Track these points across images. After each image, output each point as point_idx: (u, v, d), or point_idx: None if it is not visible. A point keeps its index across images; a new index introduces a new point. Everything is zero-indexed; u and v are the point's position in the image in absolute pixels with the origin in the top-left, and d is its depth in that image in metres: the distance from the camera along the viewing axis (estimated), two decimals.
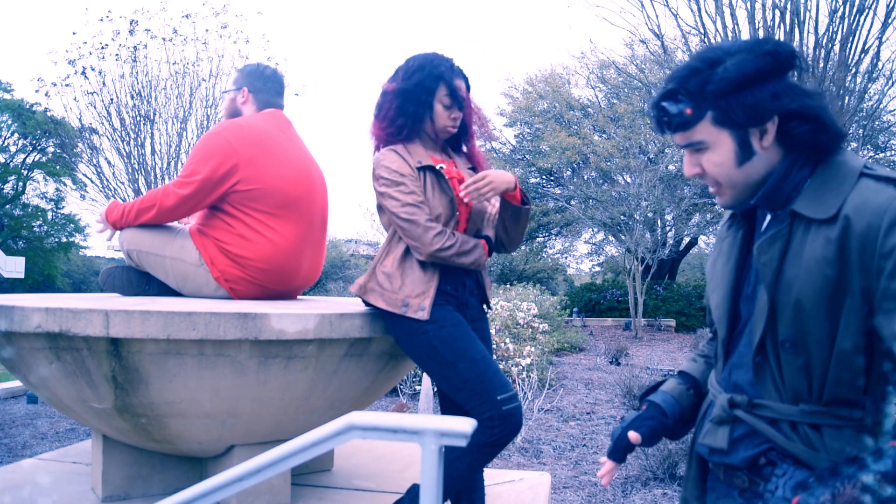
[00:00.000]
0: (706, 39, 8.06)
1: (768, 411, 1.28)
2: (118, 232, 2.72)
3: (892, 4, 7.23)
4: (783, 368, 1.25)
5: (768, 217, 1.35)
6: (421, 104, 2.29)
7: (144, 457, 2.54)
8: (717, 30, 7.94)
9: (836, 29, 7.24)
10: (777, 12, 7.35)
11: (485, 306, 2.45)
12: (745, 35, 7.83)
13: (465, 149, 2.52)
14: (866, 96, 8.35)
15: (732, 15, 7.81)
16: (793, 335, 1.23)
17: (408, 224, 2.18)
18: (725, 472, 1.37)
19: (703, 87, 1.24)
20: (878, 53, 7.40)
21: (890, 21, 7.27)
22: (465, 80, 2.36)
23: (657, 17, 10.81)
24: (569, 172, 22.77)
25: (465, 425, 1.05)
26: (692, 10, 8.04)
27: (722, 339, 1.42)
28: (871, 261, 1.15)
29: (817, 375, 1.22)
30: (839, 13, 7.21)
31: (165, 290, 2.77)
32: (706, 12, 8.00)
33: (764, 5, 7.50)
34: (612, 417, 7.20)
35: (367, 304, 2.36)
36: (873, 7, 7.21)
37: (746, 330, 1.35)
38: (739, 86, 1.22)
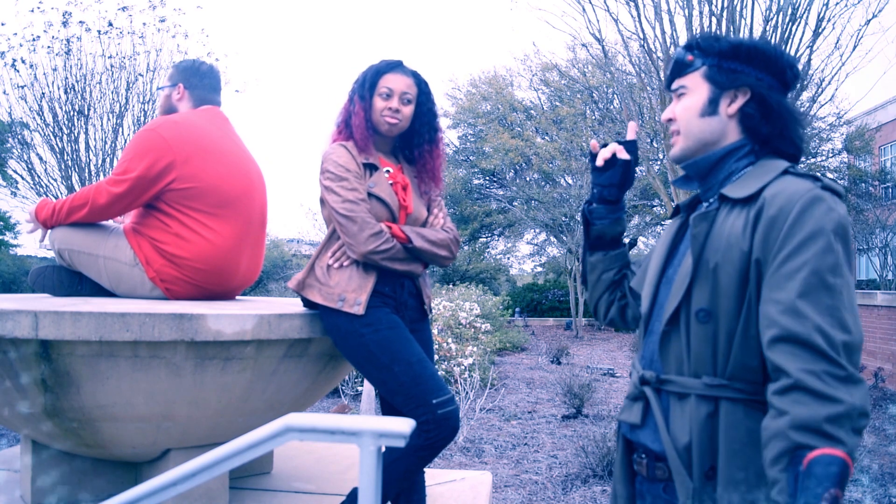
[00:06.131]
0: (645, 44, 8.22)
1: (674, 386, 1.37)
2: (49, 231, 2.64)
3: (822, 14, 7.47)
4: (692, 339, 1.35)
5: (704, 206, 1.49)
6: (364, 101, 2.29)
7: (76, 462, 2.47)
8: (656, 35, 8.10)
9: (769, 37, 7.45)
10: (714, 19, 7.53)
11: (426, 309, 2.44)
12: (682, 42, 8.00)
13: (420, 160, 2.42)
14: (798, 104, 8.63)
15: (671, 21, 7.97)
16: (707, 305, 1.33)
17: (345, 220, 2.17)
18: (648, 468, 1.43)
19: (711, 45, 1.46)
20: (809, 62, 7.64)
21: (820, 30, 7.52)
22: (418, 81, 2.36)
23: (598, 21, 11.07)
24: (511, 174, 22.98)
25: (403, 426, 1.05)
26: (632, 16, 8.17)
27: (645, 313, 1.52)
28: (774, 241, 1.26)
29: (722, 349, 1.32)
30: (772, 22, 7.42)
31: (98, 291, 2.69)
32: (646, 18, 8.15)
33: (701, 13, 7.67)
34: (553, 416, 7.28)
35: (304, 301, 2.34)
36: (804, 17, 7.44)
37: (664, 307, 1.45)
38: (736, 55, 1.44)
